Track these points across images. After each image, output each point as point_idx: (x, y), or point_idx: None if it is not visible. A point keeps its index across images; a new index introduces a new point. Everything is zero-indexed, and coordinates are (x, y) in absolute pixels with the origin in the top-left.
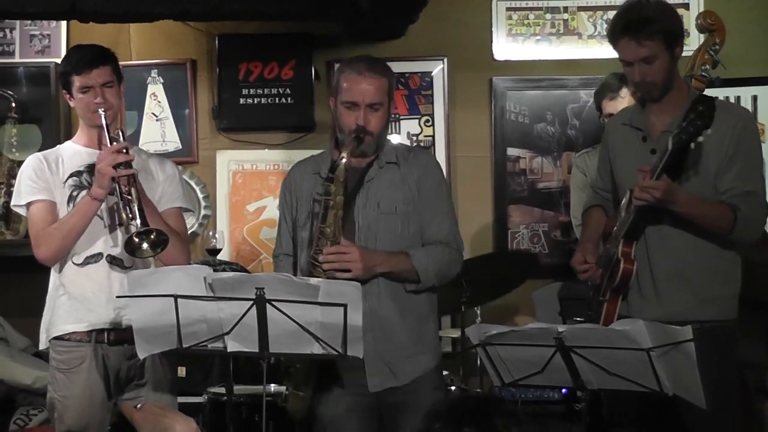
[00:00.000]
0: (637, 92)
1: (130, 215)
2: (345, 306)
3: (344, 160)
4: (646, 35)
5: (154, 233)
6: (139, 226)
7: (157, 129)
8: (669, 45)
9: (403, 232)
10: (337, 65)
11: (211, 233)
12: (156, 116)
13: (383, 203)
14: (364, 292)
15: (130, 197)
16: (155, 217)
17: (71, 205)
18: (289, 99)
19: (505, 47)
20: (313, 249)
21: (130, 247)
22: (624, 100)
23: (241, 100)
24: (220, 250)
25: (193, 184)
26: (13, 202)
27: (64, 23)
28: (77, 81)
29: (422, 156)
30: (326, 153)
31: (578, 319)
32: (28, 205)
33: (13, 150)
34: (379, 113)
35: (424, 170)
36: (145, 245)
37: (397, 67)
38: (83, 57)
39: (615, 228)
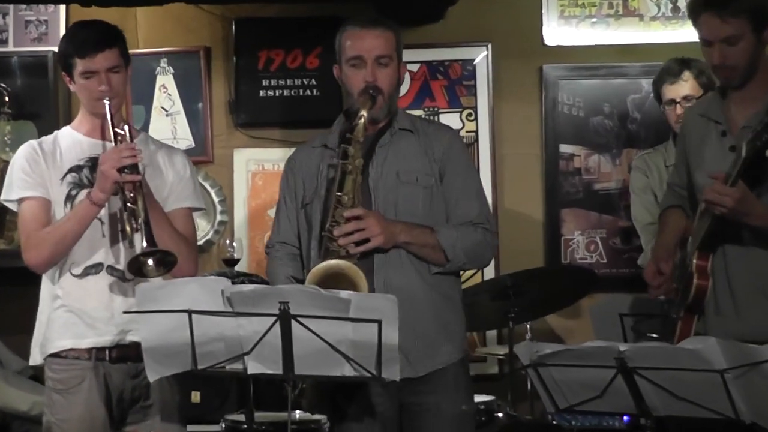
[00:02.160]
0: (716, 77)
1: (135, 227)
2: (379, 322)
3: (363, 120)
4: (732, 12)
5: (161, 253)
6: (145, 246)
7: (168, 125)
8: (756, 25)
9: (426, 206)
10: None
11: (227, 241)
12: (166, 111)
13: (402, 173)
14: (384, 260)
15: (135, 207)
16: (162, 225)
17: (69, 205)
18: (314, 91)
19: (557, 31)
20: (329, 221)
21: (135, 267)
22: (686, 84)
23: (261, 93)
24: (238, 260)
25: (207, 186)
26: (3, 196)
27: (62, 7)
28: (80, 65)
29: (445, 130)
30: (334, 127)
31: (653, 336)
32: (20, 200)
33: (7, 149)
34: (388, 70)
35: (449, 145)
36: (150, 264)
37: (435, 54)
38: (88, 38)
39: (691, 236)
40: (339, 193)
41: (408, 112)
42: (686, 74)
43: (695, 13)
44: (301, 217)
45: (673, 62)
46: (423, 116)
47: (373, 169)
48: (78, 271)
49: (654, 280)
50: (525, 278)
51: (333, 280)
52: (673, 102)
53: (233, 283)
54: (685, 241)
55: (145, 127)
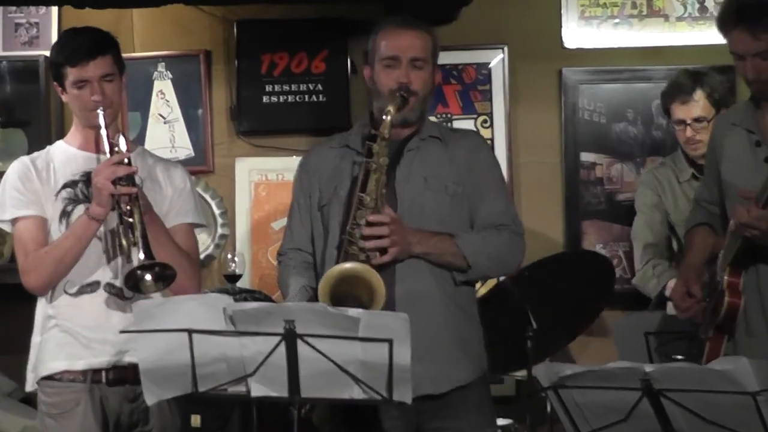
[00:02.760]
0: (750, 89)
1: (132, 241)
2: (390, 341)
3: (390, 116)
4: (764, 27)
5: (159, 267)
6: (142, 258)
7: (165, 133)
8: None
9: (454, 215)
10: None
11: (229, 256)
12: (164, 118)
13: (431, 179)
14: (404, 270)
15: (131, 220)
16: (162, 240)
17: (64, 222)
18: (320, 96)
19: (577, 33)
20: (350, 223)
21: (132, 282)
22: (698, 104)
23: (265, 99)
24: (240, 276)
25: (207, 197)
26: None
27: (54, 9)
28: (71, 74)
29: (471, 135)
30: (356, 128)
31: (678, 357)
32: (14, 221)
33: None
34: (422, 73)
35: (475, 149)
36: (148, 279)
37: (448, 57)
38: (79, 46)
39: (721, 251)
40: (361, 194)
41: (450, 119)
42: (698, 93)
43: (726, 28)
44: (317, 220)
45: (685, 77)
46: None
47: (400, 173)
48: (73, 289)
49: (683, 302)
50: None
51: (349, 285)
52: (683, 123)
53: (235, 300)
54: (714, 257)
55: (142, 135)
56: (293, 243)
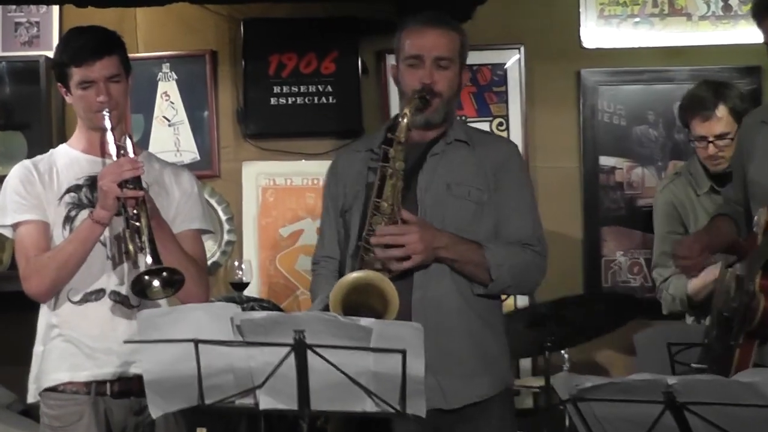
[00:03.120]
0: None
1: (139, 246)
2: (403, 352)
3: (406, 119)
4: None
5: (167, 272)
6: (149, 263)
7: (170, 136)
8: None
9: (475, 222)
10: (389, 56)
11: (236, 263)
12: (168, 120)
13: (454, 185)
14: (424, 276)
15: (138, 224)
16: (169, 244)
17: (68, 227)
18: (330, 98)
19: (596, 32)
20: (366, 229)
21: (139, 287)
22: (721, 120)
23: (272, 101)
24: (247, 284)
25: (213, 203)
26: None
27: (56, 8)
28: (76, 74)
29: (502, 142)
30: (381, 131)
31: (700, 366)
32: (15, 225)
33: None
34: (448, 73)
35: (506, 158)
36: (155, 284)
37: None
38: (85, 45)
39: (750, 253)
40: (377, 199)
41: (465, 122)
42: (721, 109)
43: (760, 15)
44: (340, 226)
45: (706, 90)
46: (478, 128)
47: (422, 179)
48: (77, 297)
49: (682, 251)
50: (562, 303)
51: (362, 294)
52: (704, 139)
53: (243, 309)
54: (737, 255)
55: (146, 138)
56: (324, 251)
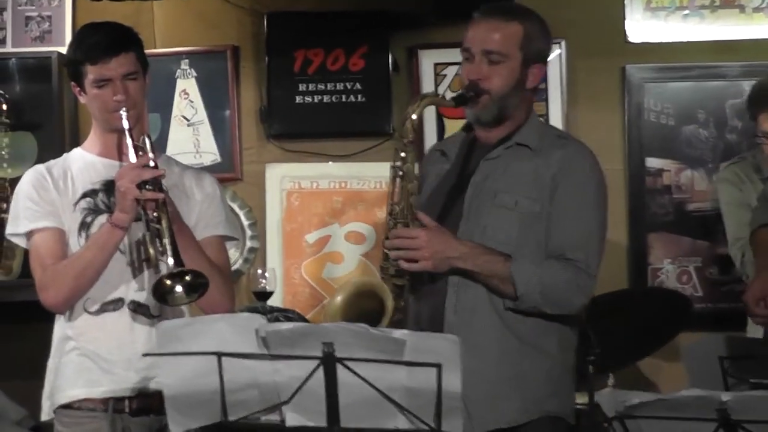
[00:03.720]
0: None
1: (160, 249)
2: (439, 366)
3: (414, 116)
4: None
5: (191, 275)
6: (171, 265)
7: (189, 137)
8: None
9: (521, 235)
10: (422, 52)
11: (259, 271)
12: (187, 120)
13: (501, 194)
14: (457, 282)
15: (159, 227)
16: (192, 251)
17: (84, 234)
18: (359, 97)
19: (643, 25)
20: (385, 234)
21: (160, 292)
22: None
23: (298, 99)
24: (271, 293)
25: (235, 207)
26: (8, 230)
27: (68, 2)
28: (91, 72)
29: (570, 146)
30: (457, 132)
31: (754, 381)
32: (29, 234)
33: (4, 165)
34: (500, 68)
35: (567, 163)
36: (178, 289)
37: None
38: (100, 41)
39: None
40: (392, 202)
41: (547, 124)
42: None
43: None
44: None
45: None
46: (560, 130)
47: (472, 184)
48: (94, 307)
49: (759, 309)
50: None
51: (365, 299)
52: None
53: (267, 320)
54: None
55: (163, 139)
56: None
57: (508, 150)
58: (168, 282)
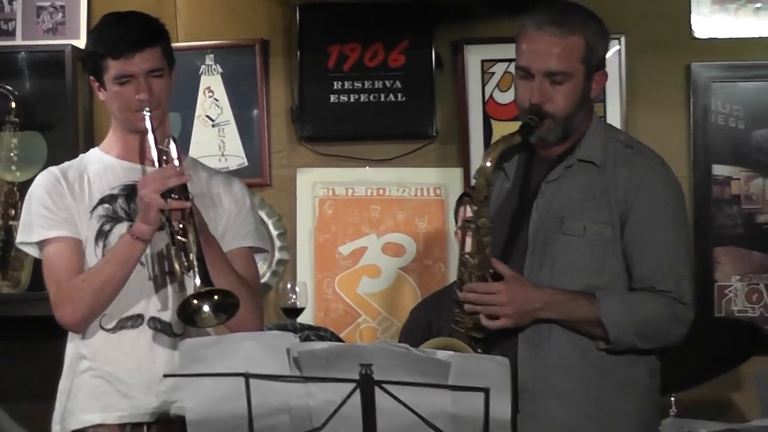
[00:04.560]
0: None
1: (185, 265)
2: (486, 391)
3: (488, 162)
4: None
5: (220, 294)
6: (198, 284)
7: (213, 138)
8: None
9: (595, 264)
10: (468, 47)
11: (288, 286)
12: (212, 120)
13: (569, 220)
14: (530, 331)
15: (185, 240)
16: (220, 265)
17: (101, 243)
18: (399, 96)
19: (710, 20)
20: (456, 282)
21: (186, 313)
22: None
23: (332, 98)
24: (301, 309)
25: (263, 215)
26: (19, 238)
27: None
28: (113, 67)
29: (643, 159)
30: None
31: None
32: (42, 243)
33: (13, 167)
34: (564, 88)
35: (640, 179)
36: (205, 309)
37: None
38: (124, 34)
39: None
40: (464, 253)
41: (609, 126)
42: None
43: None
44: None
45: None
46: (626, 134)
47: (535, 211)
48: (111, 324)
49: None
50: None
51: None
52: None
53: (299, 339)
54: None
55: (185, 141)
56: None
57: (570, 169)
58: (195, 302)
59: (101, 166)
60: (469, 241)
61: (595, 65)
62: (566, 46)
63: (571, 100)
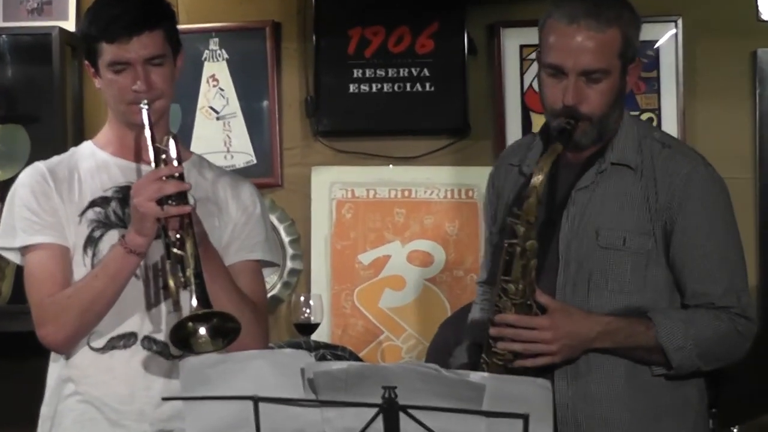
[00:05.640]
0: None
1: (182, 281)
2: (525, 417)
3: (540, 177)
4: None
5: (218, 318)
6: (195, 306)
7: (218, 133)
8: None
9: (638, 279)
10: (505, 31)
11: (302, 299)
12: (216, 112)
13: (605, 231)
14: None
15: (181, 253)
16: (221, 282)
17: (90, 251)
18: (428, 85)
19: None
20: (493, 309)
21: (180, 336)
22: None
23: (352, 88)
24: (316, 325)
25: (274, 220)
26: (0, 243)
27: None
28: (107, 53)
29: (684, 159)
30: (536, 141)
31: None
32: (25, 249)
33: None
34: (601, 86)
35: (684, 186)
36: (201, 333)
37: None
38: (120, 15)
39: None
40: (505, 278)
41: (641, 122)
42: None
43: None
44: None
45: None
46: (660, 131)
47: (566, 223)
48: (100, 343)
49: None
50: None
51: None
52: None
53: (314, 358)
54: None
55: (186, 136)
56: (483, 275)
57: (603, 174)
58: (191, 325)
59: (94, 163)
60: (513, 263)
61: (631, 57)
62: (603, 40)
63: (608, 99)
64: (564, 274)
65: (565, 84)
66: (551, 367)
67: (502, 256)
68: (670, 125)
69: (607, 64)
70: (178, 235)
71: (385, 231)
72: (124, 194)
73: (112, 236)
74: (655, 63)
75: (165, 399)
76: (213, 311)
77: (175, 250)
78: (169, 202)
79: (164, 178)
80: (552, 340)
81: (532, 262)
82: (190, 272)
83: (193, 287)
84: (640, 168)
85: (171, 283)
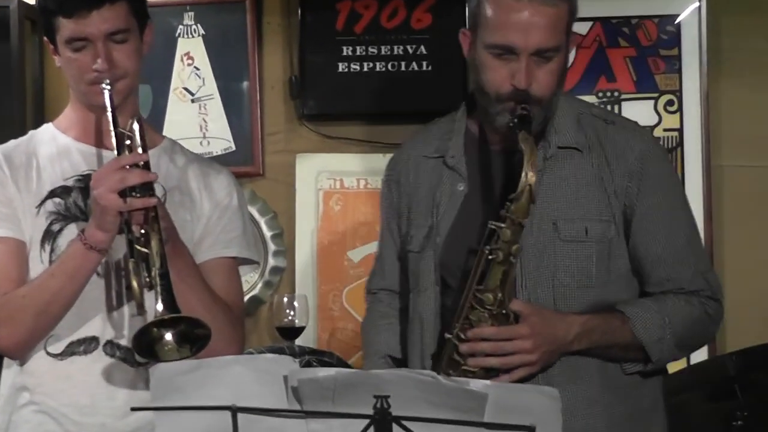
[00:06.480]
0: None
1: (147, 282)
2: (532, 430)
3: (527, 190)
4: None
5: (185, 323)
6: (160, 310)
7: (193, 117)
8: None
9: (602, 271)
10: None
11: (285, 300)
12: (191, 94)
13: (563, 222)
14: None
15: (147, 251)
16: (190, 283)
17: (48, 246)
18: (424, 64)
19: None
20: (460, 323)
21: (143, 342)
22: None
23: (341, 67)
24: (301, 329)
25: (255, 212)
26: None
27: None
28: (66, 28)
29: (631, 137)
30: (449, 122)
31: None
32: None
33: None
34: (551, 66)
35: (639, 161)
36: (167, 339)
37: (616, 7)
38: None
39: None
40: (479, 288)
41: (573, 98)
42: None
43: None
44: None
45: None
46: (597, 106)
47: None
48: (58, 348)
49: None
50: (758, 361)
51: None
52: None
53: (299, 365)
54: None
55: (158, 120)
56: (384, 281)
57: (550, 161)
58: (155, 331)
59: (55, 148)
60: (490, 272)
61: (569, 35)
62: (555, 15)
63: (557, 79)
64: (522, 273)
65: (514, 65)
66: (525, 378)
67: (477, 264)
68: (692, 109)
69: (558, 41)
70: (142, 231)
71: (377, 225)
72: (86, 183)
73: (72, 230)
74: (676, 39)
75: (134, 409)
76: (180, 316)
77: (139, 247)
78: (133, 193)
79: (127, 167)
80: (532, 348)
81: (512, 270)
82: (155, 272)
83: (159, 289)
84: (588, 149)
85: (134, 283)
